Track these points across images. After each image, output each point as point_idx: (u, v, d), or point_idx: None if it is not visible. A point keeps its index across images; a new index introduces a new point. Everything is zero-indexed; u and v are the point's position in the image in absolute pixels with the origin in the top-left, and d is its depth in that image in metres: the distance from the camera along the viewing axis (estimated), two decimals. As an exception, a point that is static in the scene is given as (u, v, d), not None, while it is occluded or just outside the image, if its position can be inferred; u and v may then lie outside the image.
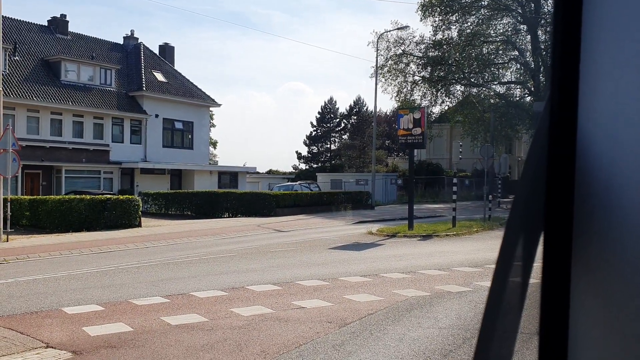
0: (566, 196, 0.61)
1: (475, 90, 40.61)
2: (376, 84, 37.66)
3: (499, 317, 0.68)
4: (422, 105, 38.35)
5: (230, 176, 40.94)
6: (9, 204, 18.10)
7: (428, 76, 39.64)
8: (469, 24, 38.65)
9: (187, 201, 30.30)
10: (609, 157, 0.60)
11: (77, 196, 22.55)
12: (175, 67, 43.26)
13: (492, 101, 40.65)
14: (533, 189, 0.66)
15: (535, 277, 0.63)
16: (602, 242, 0.60)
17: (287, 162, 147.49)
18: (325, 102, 70.85)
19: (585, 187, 0.61)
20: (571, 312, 0.61)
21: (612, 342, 0.59)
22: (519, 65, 39.81)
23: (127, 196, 22.87)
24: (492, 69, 39.14)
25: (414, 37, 42.10)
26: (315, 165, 66.51)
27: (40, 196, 25.40)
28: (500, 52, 39.12)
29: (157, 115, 37.93)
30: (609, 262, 0.59)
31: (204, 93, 42.28)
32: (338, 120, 69.91)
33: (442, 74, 39.02)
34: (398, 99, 40.37)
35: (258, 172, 49.45)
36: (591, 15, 0.61)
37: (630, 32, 0.59)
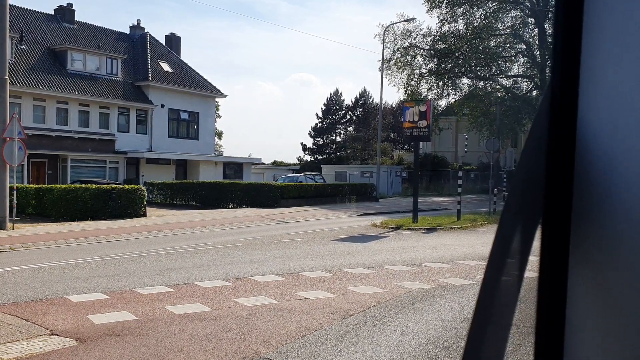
0: (565, 188, 0.60)
1: (481, 83, 40.40)
2: (382, 77, 37.56)
3: (492, 311, 0.68)
4: (428, 97, 38.22)
5: (235, 167, 40.99)
6: (14, 192, 18.19)
7: (434, 69, 39.45)
8: (476, 16, 38.37)
9: (192, 191, 30.37)
10: (610, 149, 0.59)
11: (83, 185, 22.64)
12: (182, 57, 43.21)
13: (498, 94, 40.42)
14: (530, 180, 0.65)
15: (534, 270, 0.62)
16: (600, 235, 0.59)
17: (292, 154, 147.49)
18: (330, 94, 70.74)
19: (584, 179, 0.61)
20: (568, 306, 0.62)
21: (609, 336, 0.59)
22: (525, 59, 39.54)
23: (132, 186, 22.93)
24: (498, 62, 38.88)
25: (420, 29, 41.78)
26: (320, 157, 66.42)
27: (46, 185, 25.50)
28: (508, 45, 38.84)
29: (162, 106, 37.94)
30: (608, 255, 0.59)
31: (210, 84, 42.25)
32: (343, 112, 69.73)
33: (448, 66, 38.82)
34: (404, 92, 40.25)
35: (263, 163, 49.48)
36: (593, 6, 0.61)
37: (631, 23, 0.58)
